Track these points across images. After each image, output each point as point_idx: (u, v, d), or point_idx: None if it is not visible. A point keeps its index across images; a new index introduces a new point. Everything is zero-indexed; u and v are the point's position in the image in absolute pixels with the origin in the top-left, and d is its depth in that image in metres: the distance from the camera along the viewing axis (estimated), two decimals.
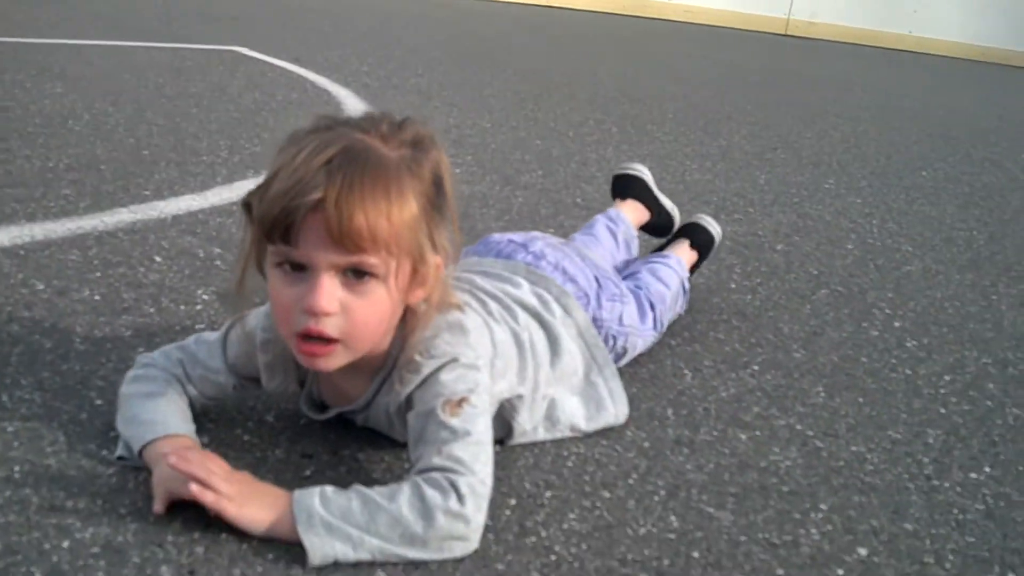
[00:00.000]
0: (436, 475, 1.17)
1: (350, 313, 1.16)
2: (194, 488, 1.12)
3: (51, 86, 3.51)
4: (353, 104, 3.92)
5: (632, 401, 1.57)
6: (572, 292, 1.58)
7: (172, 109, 3.39)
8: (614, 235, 2.02)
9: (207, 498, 1.12)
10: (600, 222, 2.04)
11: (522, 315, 1.48)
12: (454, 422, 1.20)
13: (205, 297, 1.82)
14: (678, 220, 2.19)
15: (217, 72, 4.25)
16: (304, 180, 1.11)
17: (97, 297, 1.76)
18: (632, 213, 2.12)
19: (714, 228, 2.11)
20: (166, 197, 2.39)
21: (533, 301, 1.52)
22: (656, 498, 1.34)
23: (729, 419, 1.60)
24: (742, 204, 3.08)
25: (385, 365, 1.29)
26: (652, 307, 1.78)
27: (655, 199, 2.16)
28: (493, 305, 1.45)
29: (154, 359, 1.37)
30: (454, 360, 1.24)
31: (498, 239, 1.68)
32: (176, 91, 3.72)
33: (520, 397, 1.41)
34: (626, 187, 2.17)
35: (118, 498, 1.18)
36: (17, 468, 1.22)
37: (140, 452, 1.24)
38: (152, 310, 1.74)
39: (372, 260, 1.14)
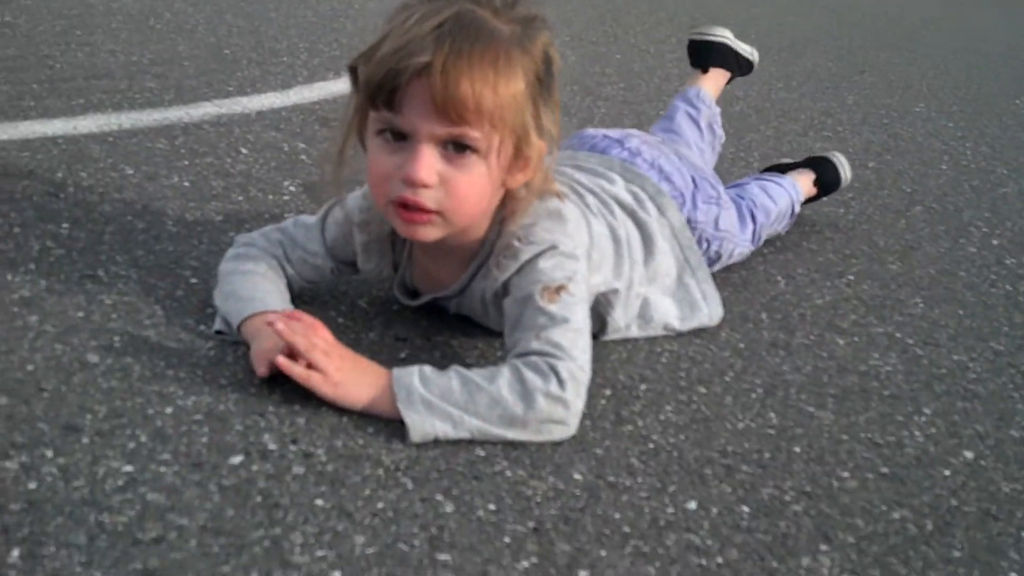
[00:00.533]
0: (535, 359, 1.15)
1: (448, 187, 1.13)
2: (281, 361, 1.11)
3: None
4: None
5: (725, 304, 1.53)
6: (667, 191, 1.53)
7: (251, 12, 3.37)
8: (696, 122, 1.90)
9: (296, 372, 1.11)
10: (680, 111, 1.92)
11: (619, 211, 1.44)
12: (552, 308, 1.18)
13: (292, 188, 1.81)
14: (757, 60, 2.11)
15: None
16: (412, 43, 1.07)
17: (186, 184, 1.75)
18: (713, 83, 2.01)
19: (844, 170, 1.99)
20: (249, 94, 2.38)
21: (628, 198, 1.47)
22: (753, 395, 1.32)
23: (825, 325, 1.56)
24: (830, 123, 2.99)
25: (481, 250, 1.26)
26: (753, 218, 1.72)
27: (737, 58, 2.05)
28: (590, 199, 1.41)
29: (254, 239, 1.36)
30: (553, 247, 1.21)
31: (593, 134, 1.63)
32: None
33: (615, 292, 1.38)
34: (708, 55, 2.03)
35: (218, 369, 1.18)
36: (117, 338, 1.22)
37: (239, 327, 1.23)
38: (240, 198, 1.73)
39: (474, 133, 1.11)
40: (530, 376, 1.13)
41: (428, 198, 1.13)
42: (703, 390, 1.31)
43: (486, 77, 1.09)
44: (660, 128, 1.91)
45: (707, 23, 2.11)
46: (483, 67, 1.08)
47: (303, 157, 1.98)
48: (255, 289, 1.28)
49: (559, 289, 1.19)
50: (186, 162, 1.85)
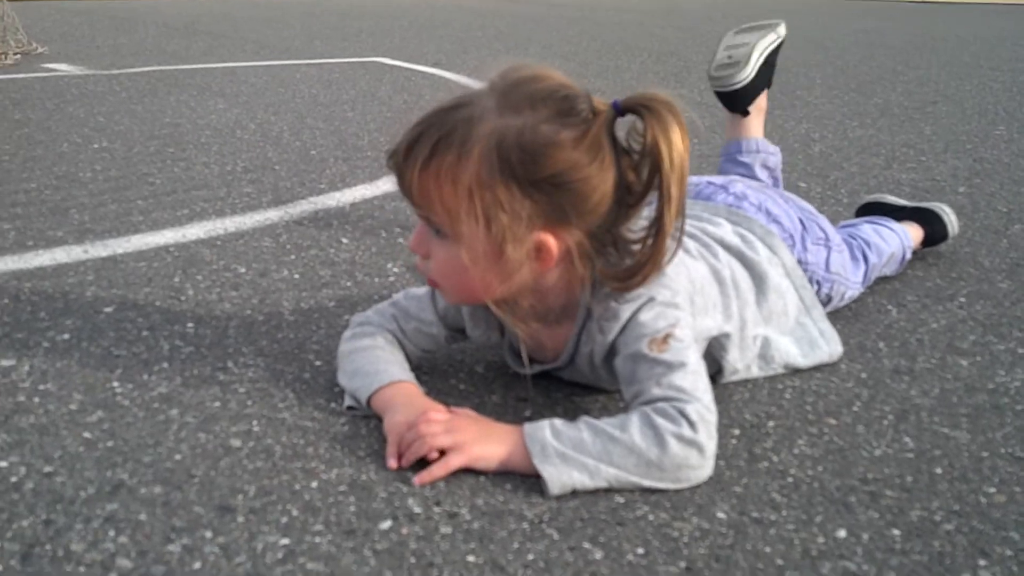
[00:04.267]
0: (662, 404, 1.15)
1: (433, 261, 1.21)
2: (416, 480, 1.13)
3: (214, 103, 3.66)
4: None
5: (840, 336, 1.52)
6: (777, 233, 1.54)
7: (330, 114, 3.49)
8: (753, 179, 1.82)
9: (434, 475, 1.13)
10: (734, 178, 1.76)
11: (722, 253, 1.44)
12: (665, 356, 1.18)
13: (396, 270, 1.86)
14: (783, 31, 1.90)
15: (365, 80, 4.36)
16: (405, 131, 1.16)
17: (296, 276, 1.81)
18: (756, 121, 1.88)
19: (952, 226, 1.97)
20: (340, 188, 2.46)
21: (735, 240, 1.47)
22: (885, 422, 1.30)
23: (945, 347, 1.54)
24: (913, 154, 2.97)
25: (577, 318, 1.27)
26: (865, 259, 1.71)
27: (765, 64, 1.86)
28: (690, 243, 1.41)
29: (369, 317, 1.40)
30: (651, 299, 1.21)
31: (696, 181, 1.64)
32: (330, 99, 3.82)
33: (728, 335, 1.37)
34: (737, 100, 1.87)
35: (355, 443, 1.21)
36: (255, 422, 1.26)
37: (368, 401, 1.27)
38: (349, 283, 1.78)
39: (434, 219, 1.17)
40: (660, 421, 1.13)
41: (424, 266, 1.24)
42: (833, 421, 1.30)
43: (431, 174, 1.13)
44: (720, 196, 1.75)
45: (718, 64, 1.87)
46: (430, 164, 1.13)
47: (400, 240, 2.04)
48: (377, 363, 1.31)
49: (667, 337, 1.20)
50: (293, 256, 1.92)
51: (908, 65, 5.23)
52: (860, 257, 1.70)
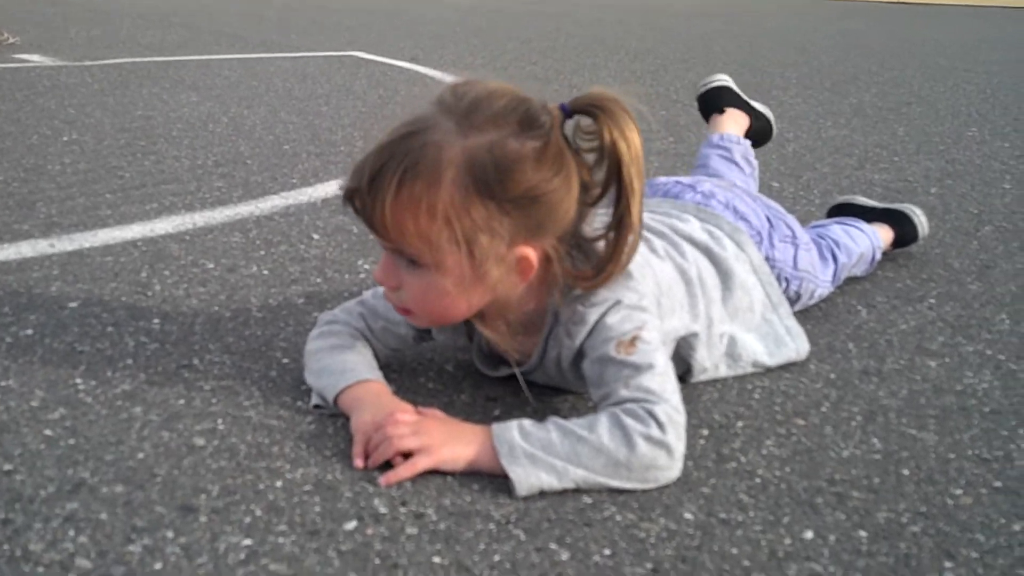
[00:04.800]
0: (631, 405, 1.15)
1: (405, 291, 1.18)
2: (382, 481, 1.12)
3: (187, 96, 3.63)
4: None
5: (809, 337, 1.52)
6: (744, 230, 1.54)
7: (304, 108, 3.47)
8: (732, 161, 1.88)
9: (400, 476, 1.12)
10: (711, 156, 1.90)
11: (689, 250, 1.43)
12: (632, 358, 1.18)
13: (366, 267, 1.85)
14: (774, 120, 2.10)
15: (340, 75, 4.34)
16: (359, 164, 1.12)
17: (265, 272, 1.80)
18: (733, 123, 2.00)
19: (923, 228, 1.98)
20: (312, 184, 2.44)
21: (703, 236, 1.47)
22: (853, 423, 1.30)
23: (914, 349, 1.55)
24: (885, 154, 2.99)
25: (546, 322, 1.26)
26: (835, 258, 1.72)
27: (746, 103, 2.06)
28: (657, 242, 1.41)
29: (336, 315, 1.39)
30: (617, 303, 1.21)
31: (664, 181, 1.64)
32: (304, 93, 3.80)
33: (695, 335, 1.37)
34: (717, 99, 2.05)
35: (321, 442, 1.20)
36: (220, 421, 1.25)
37: (335, 400, 1.25)
38: (319, 280, 1.77)
39: (409, 251, 1.13)
40: (629, 421, 1.13)
41: (395, 297, 1.21)
42: (801, 422, 1.30)
43: (404, 206, 1.09)
44: (699, 175, 1.86)
45: (709, 75, 2.13)
46: (401, 196, 1.09)
47: (371, 236, 2.02)
48: (345, 362, 1.30)
49: (634, 340, 1.19)
50: (262, 252, 1.90)
51: (884, 66, 5.26)
52: (829, 256, 1.71)
